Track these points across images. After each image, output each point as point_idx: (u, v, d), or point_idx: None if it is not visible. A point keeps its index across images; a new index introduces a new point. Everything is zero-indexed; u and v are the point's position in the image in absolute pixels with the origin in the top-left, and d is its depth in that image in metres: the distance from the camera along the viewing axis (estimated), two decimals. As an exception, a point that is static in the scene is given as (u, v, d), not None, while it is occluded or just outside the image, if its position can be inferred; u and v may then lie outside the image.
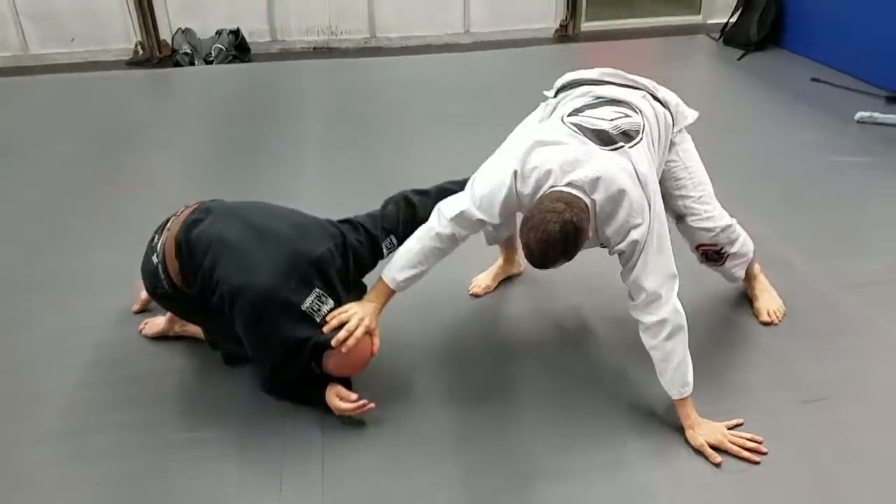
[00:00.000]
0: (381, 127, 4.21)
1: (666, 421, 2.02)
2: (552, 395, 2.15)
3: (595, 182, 1.81)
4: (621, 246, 1.87)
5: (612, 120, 1.94)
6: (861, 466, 1.88)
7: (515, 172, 1.89)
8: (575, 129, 1.92)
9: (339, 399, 1.99)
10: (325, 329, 1.91)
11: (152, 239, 2.11)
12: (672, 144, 2.15)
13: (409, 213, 2.16)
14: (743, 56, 5.36)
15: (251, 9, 5.99)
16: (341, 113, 4.47)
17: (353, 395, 1.98)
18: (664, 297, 1.87)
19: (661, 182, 2.06)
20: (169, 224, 2.09)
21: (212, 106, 4.70)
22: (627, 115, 1.97)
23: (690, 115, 2.23)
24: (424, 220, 2.07)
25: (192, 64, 5.71)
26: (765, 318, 2.40)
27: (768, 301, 2.45)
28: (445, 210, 1.98)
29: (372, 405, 1.98)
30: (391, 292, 2.02)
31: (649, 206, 1.85)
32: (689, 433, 1.94)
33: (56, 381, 2.22)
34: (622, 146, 1.88)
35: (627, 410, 2.07)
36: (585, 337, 2.41)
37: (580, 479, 1.86)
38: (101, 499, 1.84)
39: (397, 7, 6.19)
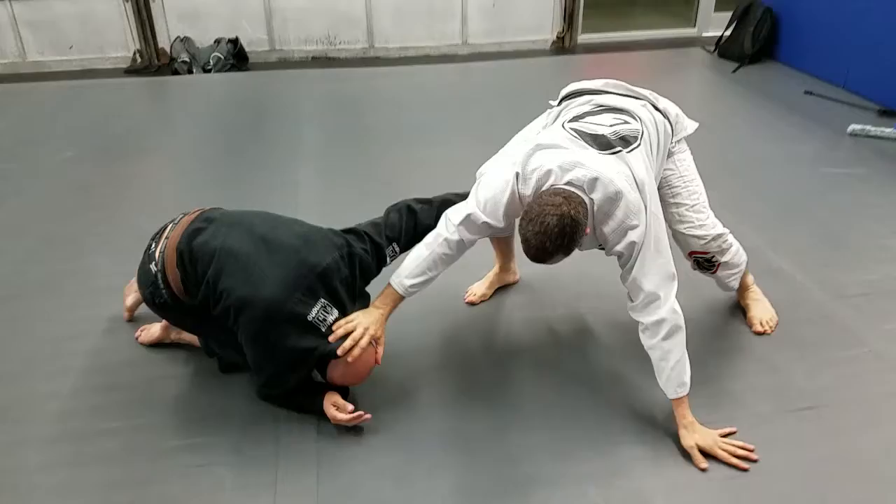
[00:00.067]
0: (379, 136, 4.23)
1: (662, 428, 2.03)
2: (548, 402, 2.16)
3: (593, 182, 1.84)
4: (619, 247, 1.90)
5: (611, 126, 1.99)
6: (852, 475, 1.89)
7: (517, 175, 1.93)
8: (574, 134, 1.97)
9: (336, 409, 2.00)
10: (331, 339, 1.92)
11: (149, 247, 2.10)
12: (670, 154, 2.18)
13: (411, 221, 2.17)
14: (737, 69, 5.41)
15: (250, 18, 6.02)
16: (339, 122, 4.49)
17: (350, 406, 1.99)
18: (663, 298, 1.90)
19: (657, 189, 2.09)
20: (167, 232, 2.07)
21: (210, 114, 4.72)
22: (627, 122, 2.01)
23: (690, 125, 2.26)
24: (426, 228, 2.10)
25: (190, 72, 5.73)
26: (758, 328, 2.43)
27: (761, 311, 2.47)
28: (453, 216, 2.01)
29: (368, 416, 2.00)
30: (400, 298, 2.04)
31: (646, 208, 1.88)
32: (682, 432, 1.96)
33: (52, 386, 2.22)
34: (620, 150, 1.92)
35: (623, 418, 2.09)
36: (581, 344, 2.42)
37: (576, 486, 1.87)
38: (97, 504, 1.85)
39: (396, 17, 6.23)
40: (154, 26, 5.90)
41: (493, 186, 1.98)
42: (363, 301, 2.09)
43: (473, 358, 2.37)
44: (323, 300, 1.92)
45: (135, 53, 5.95)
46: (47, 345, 2.41)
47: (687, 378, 1.94)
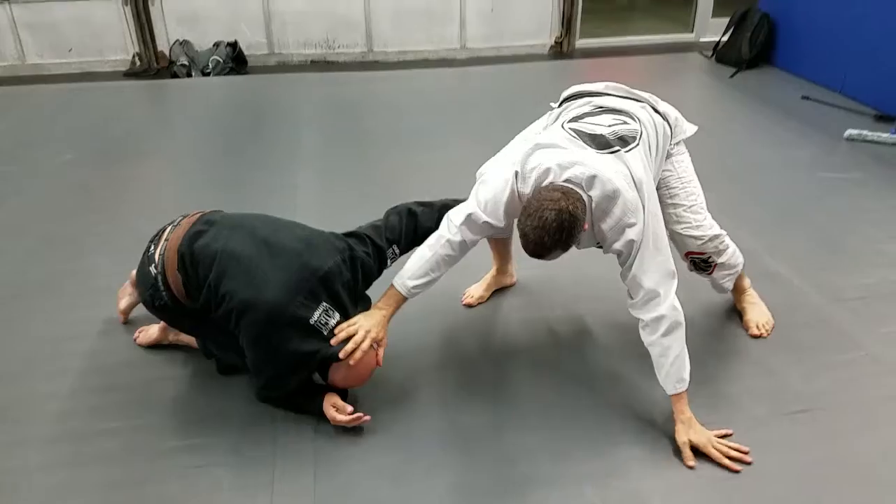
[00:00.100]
0: (377, 139, 4.24)
1: (660, 429, 2.04)
2: (546, 402, 2.17)
3: (591, 179, 1.86)
4: (618, 246, 1.92)
5: (609, 126, 2.01)
6: (848, 478, 1.90)
7: (516, 174, 1.95)
8: (573, 134, 1.99)
9: (336, 410, 2.01)
10: (333, 342, 1.93)
11: (148, 248, 2.10)
12: (669, 155, 2.20)
13: (411, 223, 2.18)
14: (735, 74, 5.43)
15: (249, 21, 6.04)
16: (338, 125, 4.51)
17: (349, 408, 2.00)
18: (662, 295, 1.91)
19: (656, 190, 2.11)
20: (166, 234, 2.07)
21: (209, 117, 4.73)
22: (625, 123, 2.03)
23: (689, 128, 2.28)
24: (426, 231, 2.11)
25: (189, 76, 5.74)
26: (754, 331, 2.44)
27: (757, 315, 2.48)
28: (454, 217, 2.03)
29: (367, 418, 2.01)
30: (402, 299, 2.05)
31: (644, 207, 1.90)
32: (678, 428, 1.97)
33: (51, 387, 2.23)
34: (618, 150, 1.94)
35: (622, 418, 2.10)
36: (579, 345, 2.43)
37: (574, 486, 1.88)
38: (95, 504, 1.85)
39: (394, 22, 6.25)
40: (153, 30, 5.91)
41: (492, 186, 1.99)
42: (364, 304, 2.10)
43: (471, 358, 2.38)
44: (325, 304, 1.93)
45: (134, 57, 5.96)
46: (46, 345, 2.42)
47: (686, 374, 1.95)
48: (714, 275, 2.36)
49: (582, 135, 1.98)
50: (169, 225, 2.12)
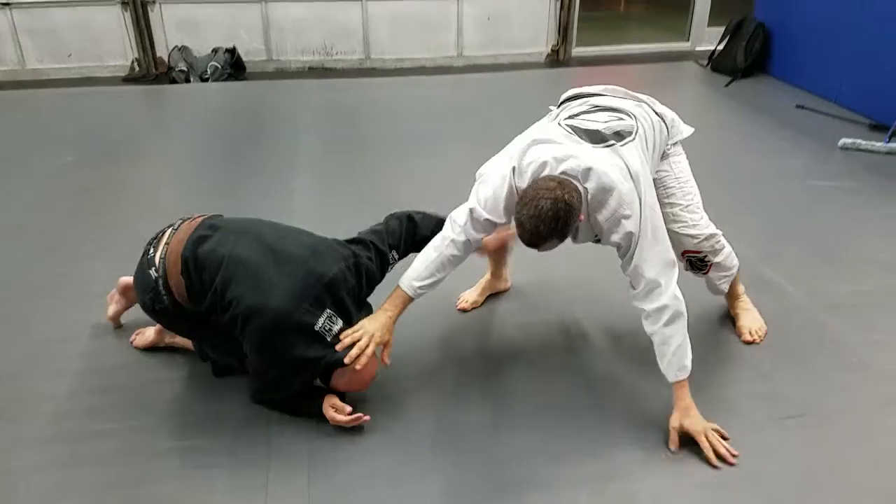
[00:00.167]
0: (375, 146, 4.26)
1: (655, 432, 2.05)
2: (541, 406, 2.18)
3: (587, 172, 1.88)
4: (616, 238, 1.94)
5: (605, 122, 2.04)
6: (839, 484, 1.92)
7: (513, 169, 1.98)
8: (569, 129, 2.02)
9: (335, 411, 2.03)
10: (338, 348, 1.95)
11: (147, 251, 2.10)
12: (665, 155, 2.23)
13: (410, 229, 2.21)
14: (730, 83, 5.47)
15: (248, 28, 6.06)
16: (336, 131, 4.53)
17: (349, 408, 2.02)
18: (664, 285, 1.93)
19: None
20: (166, 237, 2.08)
21: (207, 123, 4.74)
22: (621, 119, 2.06)
23: (686, 129, 2.31)
24: (424, 238, 2.14)
25: (187, 81, 5.76)
26: (747, 336, 2.45)
27: (750, 320, 2.50)
28: (457, 218, 2.05)
29: (367, 418, 2.02)
30: (408, 300, 2.07)
31: (640, 199, 1.92)
32: (675, 414, 1.99)
33: (48, 388, 2.23)
34: (613, 144, 1.97)
35: (616, 422, 2.11)
36: (575, 348, 2.44)
37: (569, 488, 1.89)
38: (90, 505, 1.86)
39: (392, 29, 6.28)
40: (152, 35, 5.94)
41: (491, 183, 2.01)
42: (366, 310, 2.12)
43: (467, 361, 2.39)
44: (329, 310, 1.95)
45: (133, 62, 5.99)
46: (44, 347, 2.42)
47: (688, 362, 1.96)
48: (710, 275, 2.38)
49: (578, 130, 2.01)
50: (168, 228, 2.12)
